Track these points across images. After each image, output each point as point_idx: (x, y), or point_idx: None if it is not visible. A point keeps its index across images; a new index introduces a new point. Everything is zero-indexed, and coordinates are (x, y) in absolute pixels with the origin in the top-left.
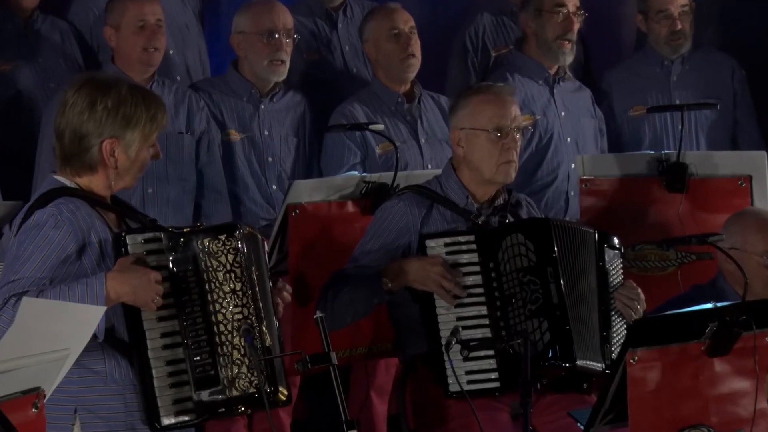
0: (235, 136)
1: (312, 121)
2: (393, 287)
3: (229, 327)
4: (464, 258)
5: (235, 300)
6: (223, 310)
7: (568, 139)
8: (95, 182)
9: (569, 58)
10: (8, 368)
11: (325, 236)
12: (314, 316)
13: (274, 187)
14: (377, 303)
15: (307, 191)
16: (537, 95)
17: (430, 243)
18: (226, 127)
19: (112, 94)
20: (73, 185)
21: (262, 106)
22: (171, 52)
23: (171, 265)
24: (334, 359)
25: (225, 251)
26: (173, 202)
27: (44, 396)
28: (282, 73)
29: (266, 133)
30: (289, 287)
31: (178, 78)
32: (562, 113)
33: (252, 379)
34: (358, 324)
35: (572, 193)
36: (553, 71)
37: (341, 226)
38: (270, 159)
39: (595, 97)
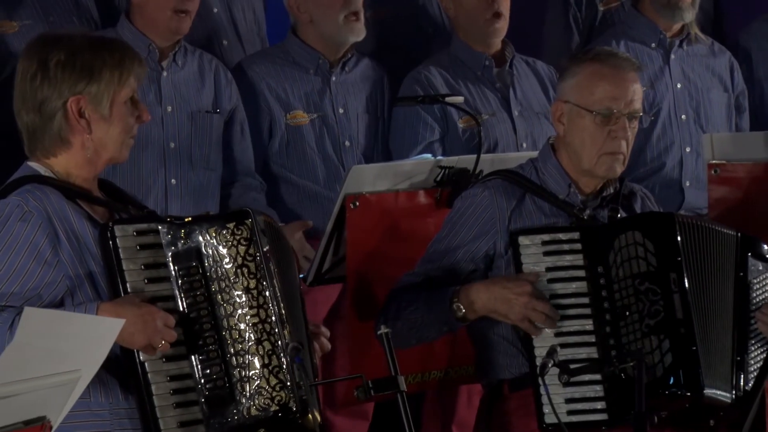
0: (304, 117)
1: (391, 92)
2: (468, 315)
3: (244, 333)
4: (566, 260)
5: (249, 300)
6: (236, 313)
7: (683, 117)
8: (73, 160)
9: (687, 16)
10: (8, 393)
11: (392, 234)
12: (377, 332)
13: None
14: (447, 331)
15: (370, 178)
16: (647, 62)
17: (524, 240)
18: (292, 107)
19: (63, 46)
20: (48, 173)
21: (333, 78)
22: (215, 10)
23: (170, 262)
24: (403, 385)
25: (235, 243)
26: (197, 194)
27: (50, 427)
28: (360, 31)
29: (341, 111)
30: (326, 331)
31: (225, 43)
32: (678, 84)
33: (274, 394)
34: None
35: (687, 184)
36: (670, 32)
37: (411, 221)
38: (347, 143)
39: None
